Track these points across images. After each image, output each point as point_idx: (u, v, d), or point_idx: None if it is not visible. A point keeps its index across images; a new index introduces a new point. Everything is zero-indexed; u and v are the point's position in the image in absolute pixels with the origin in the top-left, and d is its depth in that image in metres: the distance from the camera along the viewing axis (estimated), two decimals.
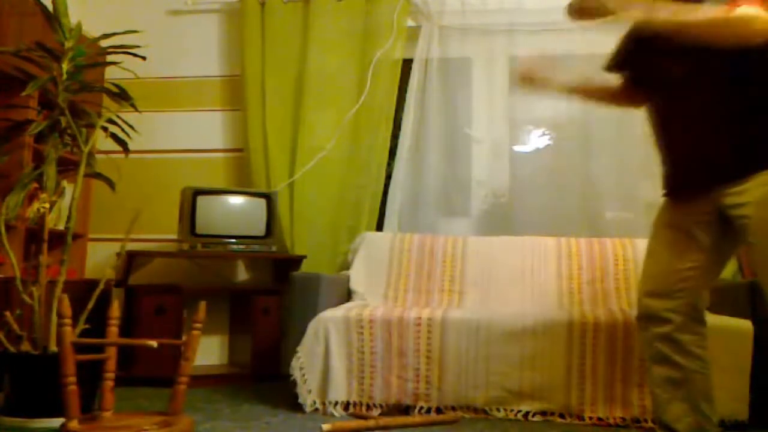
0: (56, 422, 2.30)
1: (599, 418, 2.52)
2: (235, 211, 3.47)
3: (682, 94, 1.88)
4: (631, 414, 2.50)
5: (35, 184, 2.88)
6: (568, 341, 2.58)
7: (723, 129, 1.80)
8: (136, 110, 2.84)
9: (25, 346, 2.45)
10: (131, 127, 2.80)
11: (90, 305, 2.54)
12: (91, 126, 2.73)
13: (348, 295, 3.25)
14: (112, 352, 1.93)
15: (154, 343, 1.73)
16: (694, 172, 1.88)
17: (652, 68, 1.97)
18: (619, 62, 2.11)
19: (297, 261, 3.52)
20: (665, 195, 1.99)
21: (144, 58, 2.77)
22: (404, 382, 2.65)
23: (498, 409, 2.60)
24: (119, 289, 3.43)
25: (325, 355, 2.68)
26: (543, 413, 2.57)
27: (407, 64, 3.73)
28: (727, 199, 1.82)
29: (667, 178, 1.98)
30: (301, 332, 2.73)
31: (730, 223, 1.83)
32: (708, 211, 1.88)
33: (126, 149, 2.83)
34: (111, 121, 2.77)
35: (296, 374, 2.68)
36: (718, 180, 1.81)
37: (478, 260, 3.31)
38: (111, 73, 3.30)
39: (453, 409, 2.63)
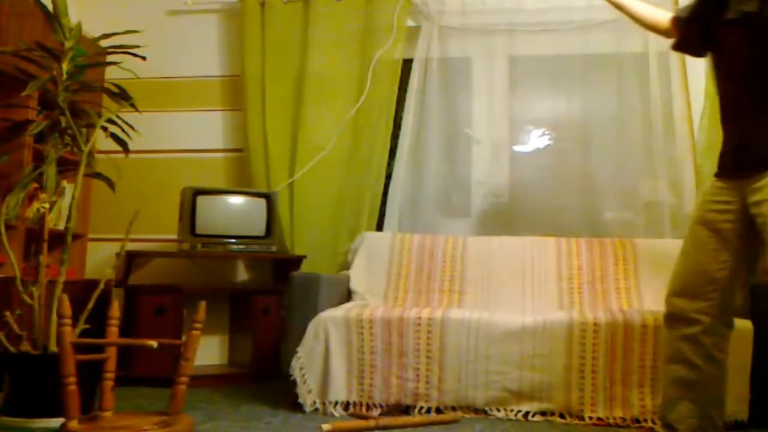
0: (56, 422, 2.30)
1: (599, 418, 2.52)
2: (235, 211, 3.47)
3: (749, 76, 1.84)
4: (631, 414, 2.50)
5: (35, 184, 2.88)
6: (568, 341, 2.58)
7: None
8: (136, 110, 2.84)
9: (25, 346, 2.45)
10: (131, 127, 2.80)
11: (90, 305, 2.54)
12: (91, 126, 2.73)
13: (348, 295, 3.25)
14: (112, 352, 1.93)
15: (154, 344, 1.73)
16: (740, 154, 1.86)
17: (727, 46, 1.91)
18: (693, 18, 2.04)
19: (297, 261, 3.51)
20: (715, 175, 1.98)
21: (144, 58, 2.77)
22: (404, 382, 2.65)
23: (498, 409, 2.60)
24: (119, 289, 3.42)
25: (325, 355, 2.68)
26: (543, 413, 2.57)
27: (407, 64, 3.73)
28: (749, 196, 1.82)
29: (720, 157, 1.96)
30: (301, 332, 2.73)
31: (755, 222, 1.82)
32: (736, 209, 1.87)
33: (126, 149, 2.83)
34: (111, 121, 2.77)
35: (296, 374, 2.68)
36: (754, 168, 1.81)
37: (478, 260, 3.31)
38: (111, 73, 3.30)
39: (453, 409, 2.63)
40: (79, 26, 2.72)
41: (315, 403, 2.66)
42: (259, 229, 3.45)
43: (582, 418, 2.53)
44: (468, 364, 2.62)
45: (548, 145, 3.72)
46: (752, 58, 1.82)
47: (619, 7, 2.25)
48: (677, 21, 2.10)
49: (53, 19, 2.65)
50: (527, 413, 2.57)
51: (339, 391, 2.66)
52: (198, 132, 3.93)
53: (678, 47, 2.14)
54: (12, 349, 2.42)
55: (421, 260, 3.34)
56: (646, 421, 2.47)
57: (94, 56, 2.87)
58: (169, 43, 3.94)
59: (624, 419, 2.50)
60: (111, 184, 2.82)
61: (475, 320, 2.66)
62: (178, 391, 1.82)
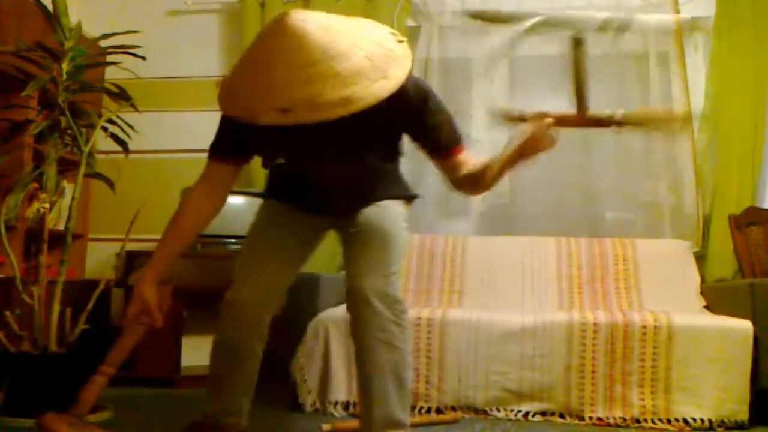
0: None
1: (599, 418, 2.52)
2: (234, 211, 3.46)
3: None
4: (631, 414, 2.50)
5: (35, 184, 2.88)
6: (568, 341, 2.58)
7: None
8: (136, 110, 2.84)
9: (25, 346, 2.45)
10: (131, 127, 2.80)
11: (90, 305, 2.54)
12: (91, 126, 2.73)
13: None
14: None
15: None
16: None
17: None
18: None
19: None
20: None
21: (144, 58, 2.77)
22: None
23: (498, 409, 2.60)
24: (119, 289, 3.42)
25: (325, 355, 2.68)
26: (543, 413, 2.57)
27: None
28: None
29: None
30: (301, 332, 2.73)
31: None
32: None
33: (126, 149, 2.82)
34: (111, 121, 2.76)
35: (296, 374, 2.68)
36: None
37: (478, 260, 3.30)
38: (111, 73, 3.30)
39: (453, 409, 2.62)
40: (79, 26, 2.72)
41: (315, 403, 2.66)
42: None
43: (582, 418, 2.53)
44: (468, 364, 2.62)
45: None
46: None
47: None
48: None
49: (53, 19, 2.65)
50: (527, 413, 2.57)
51: (339, 391, 2.66)
52: (198, 132, 3.89)
53: None
54: (12, 349, 2.42)
55: (421, 260, 3.34)
56: (646, 421, 2.47)
57: (94, 56, 2.87)
58: (169, 43, 3.94)
59: (624, 419, 2.50)
60: (111, 184, 2.82)
61: (475, 320, 2.66)
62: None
